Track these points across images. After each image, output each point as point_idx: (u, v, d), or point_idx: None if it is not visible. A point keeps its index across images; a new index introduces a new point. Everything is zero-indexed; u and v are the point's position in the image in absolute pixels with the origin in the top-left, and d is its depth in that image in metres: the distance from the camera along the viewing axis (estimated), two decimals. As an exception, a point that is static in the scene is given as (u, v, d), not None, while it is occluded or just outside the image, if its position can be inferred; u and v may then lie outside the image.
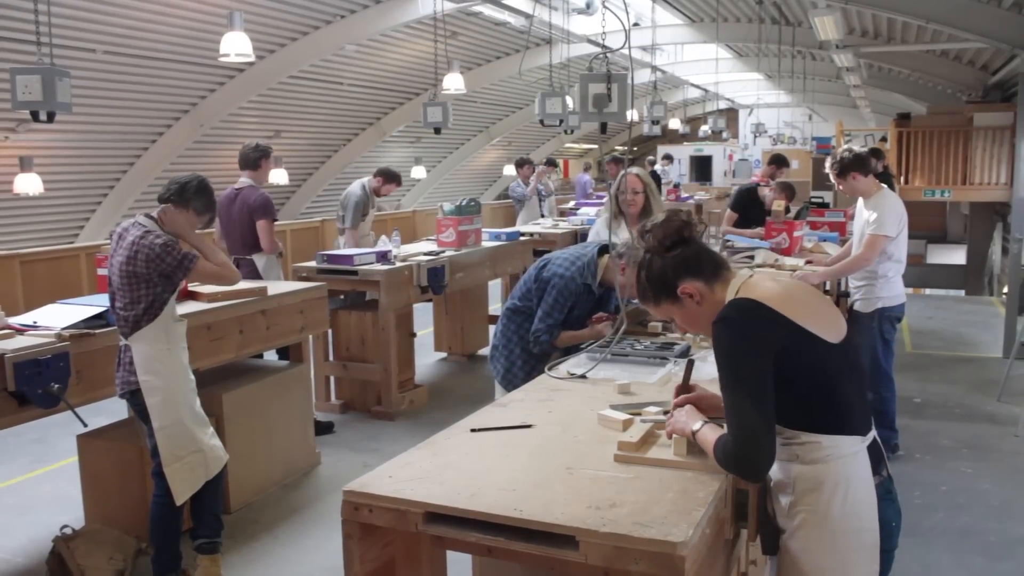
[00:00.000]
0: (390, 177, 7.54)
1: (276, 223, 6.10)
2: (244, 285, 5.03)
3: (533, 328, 3.90)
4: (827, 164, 5.20)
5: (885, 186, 5.17)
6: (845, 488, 2.08)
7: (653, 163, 17.71)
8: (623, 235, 4.57)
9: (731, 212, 7.42)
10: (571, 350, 3.78)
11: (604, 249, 3.92)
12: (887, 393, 5.24)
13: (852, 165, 4.95)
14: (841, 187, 5.12)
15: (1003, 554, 4.14)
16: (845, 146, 5.24)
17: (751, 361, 2.02)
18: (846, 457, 2.09)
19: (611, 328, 3.77)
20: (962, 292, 15.87)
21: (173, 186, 3.72)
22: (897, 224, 4.93)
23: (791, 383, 2.05)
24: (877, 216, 4.89)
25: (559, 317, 3.87)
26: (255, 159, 6.01)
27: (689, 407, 2.29)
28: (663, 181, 15.12)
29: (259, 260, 5.95)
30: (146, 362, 3.58)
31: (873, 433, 2.18)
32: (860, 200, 5.12)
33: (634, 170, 4.87)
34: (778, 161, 8.38)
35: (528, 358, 3.97)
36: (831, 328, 2.12)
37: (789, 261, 5.77)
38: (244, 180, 5.99)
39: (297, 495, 4.98)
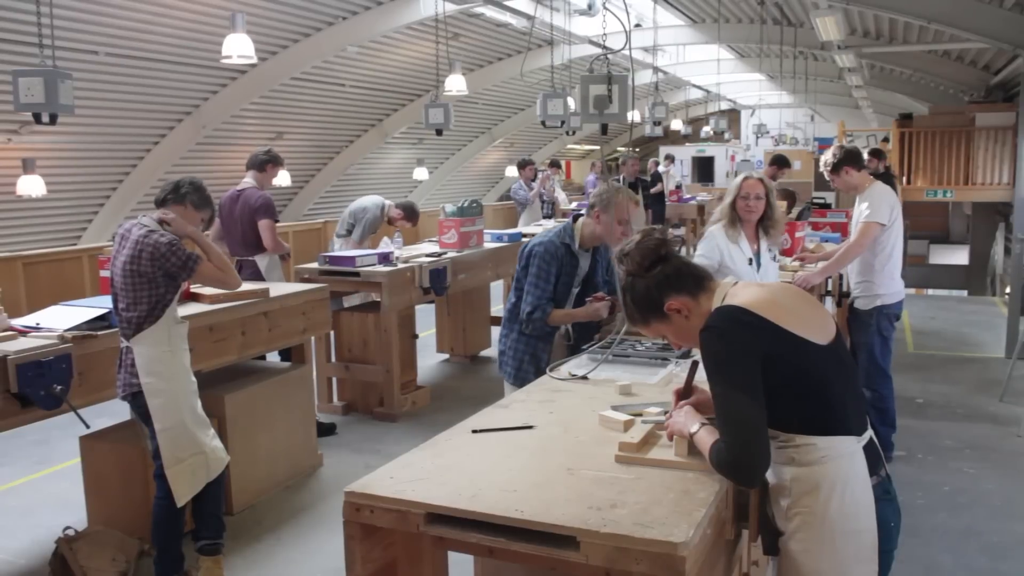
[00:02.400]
0: (411, 215, 7.49)
1: (278, 224, 6.11)
2: (246, 287, 5.04)
3: (523, 306, 3.83)
4: (821, 162, 5.34)
5: (878, 181, 5.28)
6: (842, 489, 2.09)
7: (657, 164, 17.66)
8: (744, 246, 4.47)
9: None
10: (577, 349, 3.76)
11: (580, 216, 3.96)
12: (885, 391, 5.25)
13: (845, 160, 5.09)
14: (835, 183, 5.27)
15: (1005, 554, 4.14)
16: (836, 144, 5.34)
17: (739, 367, 2.04)
18: (842, 458, 2.10)
19: (607, 309, 3.78)
20: (965, 292, 15.86)
21: (167, 187, 3.76)
22: (889, 213, 5.02)
23: (782, 387, 2.06)
24: (868, 204, 5.01)
25: (546, 287, 3.82)
26: (262, 162, 6.04)
27: (688, 408, 2.29)
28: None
29: (261, 261, 5.96)
30: (148, 364, 3.59)
31: (869, 433, 2.18)
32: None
33: (755, 173, 4.59)
34: (779, 162, 8.40)
35: (535, 352, 3.94)
36: (818, 330, 2.13)
37: (788, 263, 5.79)
38: (247, 181, 6.01)
39: (299, 496, 4.99)
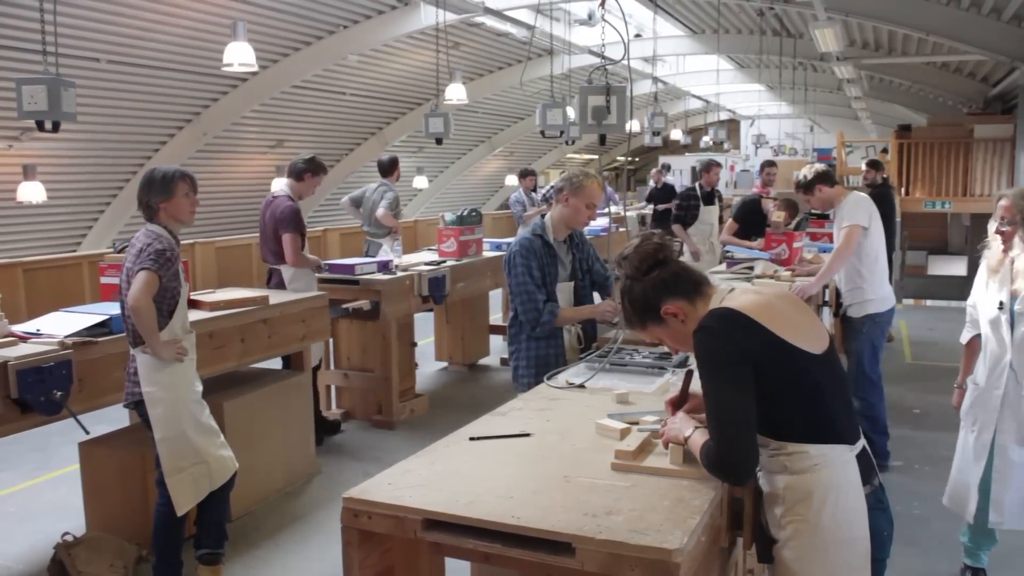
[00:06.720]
0: (393, 163, 7.71)
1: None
2: (245, 294, 5.06)
3: (520, 309, 3.75)
4: (794, 188, 5.50)
5: (853, 191, 5.46)
6: (835, 497, 2.10)
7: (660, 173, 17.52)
8: (995, 287, 3.65)
9: (732, 222, 7.48)
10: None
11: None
12: (874, 399, 5.29)
13: (816, 179, 5.23)
14: (812, 203, 5.42)
15: (1001, 564, 4.15)
16: (808, 167, 5.52)
17: (730, 368, 2.06)
18: (835, 466, 2.11)
19: (611, 312, 3.77)
20: (963, 303, 15.85)
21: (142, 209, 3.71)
22: (867, 216, 5.11)
23: (774, 392, 2.08)
24: (847, 211, 5.13)
25: (534, 284, 3.73)
26: (300, 171, 5.84)
27: (683, 414, 2.32)
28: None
29: (286, 272, 5.79)
30: (150, 373, 3.58)
31: (862, 442, 2.20)
32: None
33: (1008, 191, 3.64)
34: (767, 164, 8.70)
35: (548, 361, 3.79)
36: (812, 339, 2.15)
37: (784, 274, 5.83)
38: (283, 187, 5.86)
39: (298, 503, 5.00)
